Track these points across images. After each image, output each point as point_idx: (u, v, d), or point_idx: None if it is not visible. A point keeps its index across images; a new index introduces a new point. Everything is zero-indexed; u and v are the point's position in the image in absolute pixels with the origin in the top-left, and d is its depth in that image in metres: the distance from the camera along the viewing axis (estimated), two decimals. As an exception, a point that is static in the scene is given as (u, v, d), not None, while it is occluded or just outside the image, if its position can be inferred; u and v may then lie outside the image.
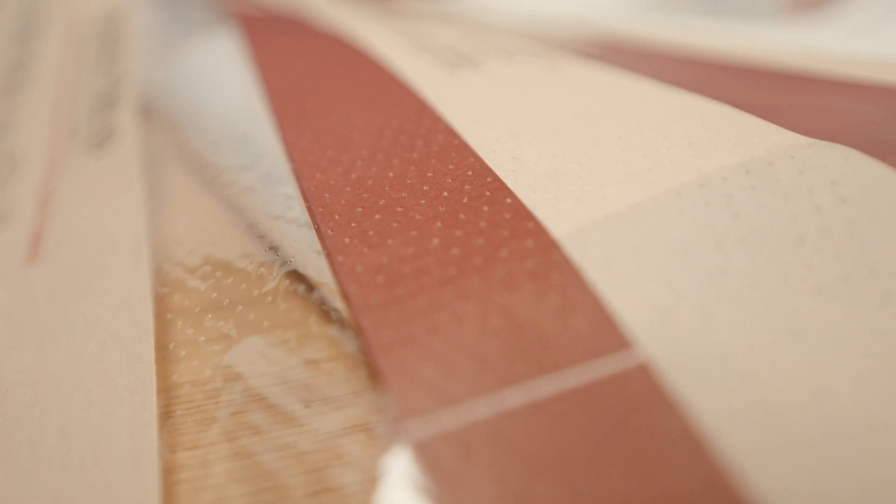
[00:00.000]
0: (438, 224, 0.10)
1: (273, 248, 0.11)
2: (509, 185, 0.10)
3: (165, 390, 0.10)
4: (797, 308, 0.08)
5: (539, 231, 0.09)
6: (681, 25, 0.26)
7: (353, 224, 0.10)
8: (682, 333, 0.08)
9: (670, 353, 0.08)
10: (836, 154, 0.10)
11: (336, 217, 0.10)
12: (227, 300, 0.10)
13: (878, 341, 0.07)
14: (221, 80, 0.17)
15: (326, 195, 0.11)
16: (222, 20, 0.21)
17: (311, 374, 0.09)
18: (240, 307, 0.10)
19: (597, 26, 0.24)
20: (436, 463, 0.07)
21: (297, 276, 0.10)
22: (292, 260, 0.11)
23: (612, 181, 0.10)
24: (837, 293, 0.08)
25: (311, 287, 0.10)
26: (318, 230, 0.10)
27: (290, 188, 0.11)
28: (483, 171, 0.11)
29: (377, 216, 0.10)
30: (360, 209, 0.10)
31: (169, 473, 0.09)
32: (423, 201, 0.10)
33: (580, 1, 0.29)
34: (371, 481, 0.08)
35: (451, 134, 0.12)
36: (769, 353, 0.07)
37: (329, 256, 0.10)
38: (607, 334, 0.08)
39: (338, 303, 0.09)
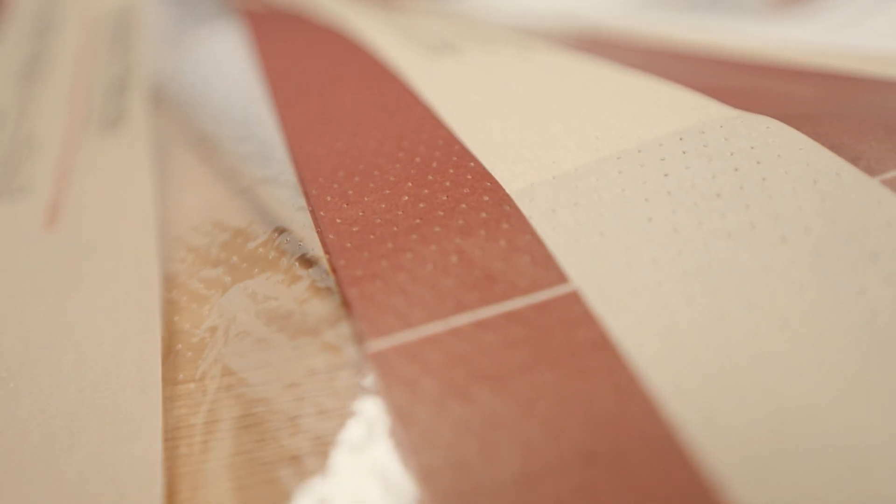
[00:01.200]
0: (409, 184, 0.11)
1: (265, 209, 0.13)
2: (474, 152, 0.12)
3: (168, 330, 0.11)
4: (707, 248, 0.09)
5: (495, 188, 0.11)
6: (668, 21, 0.27)
7: (334, 185, 0.12)
8: (607, 270, 0.09)
9: (596, 286, 0.09)
10: (758, 123, 0.11)
11: (320, 179, 0.12)
12: (223, 253, 0.12)
13: (770, 276, 0.09)
14: (225, 67, 0.19)
15: (313, 161, 0.12)
16: (228, 14, 0.22)
17: (293, 310, 0.10)
18: (234, 258, 0.12)
19: (584, 21, 0.26)
20: (394, 372, 0.08)
21: (284, 231, 0.12)
22: (281, 217, 0.12)
23: (562, 148, 0.11)
24: (743, 237, 0.09)
25: (296, 239, 0.11)
26: (303, 190, 0.12)
27: (282, 157, 0.13)
28: (452, 141, 0.12)
29: (356, 178, 0.12)
30: (341, 173, 0.12)
31: (170, 399, 0.10)
32: (397, 166, 0.12)
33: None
34: (343, 398, 0.09)
35: (426, 111, 0.13)
36: (678, 284, 0.09)
37: (312, 212, 0.11)
38: (545, 270, 0.09)
39: (319, 251, 0.11)
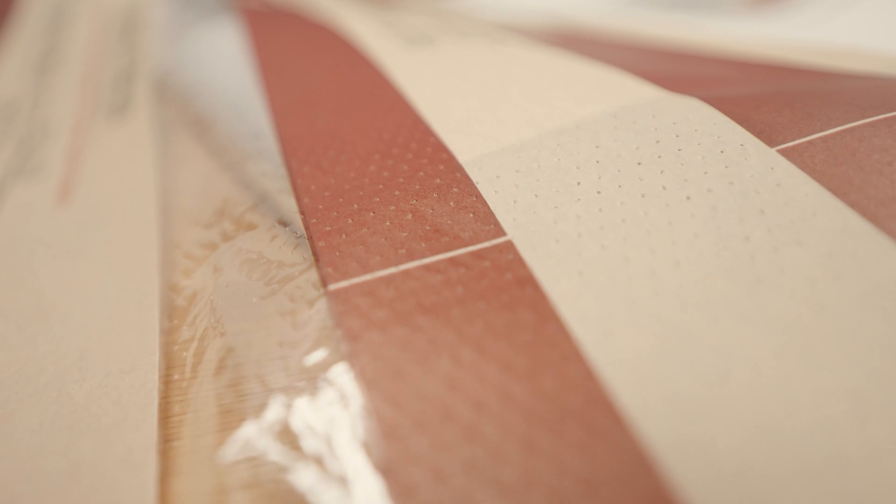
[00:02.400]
0: (376, 156, 0.13)
1: (251, 180, 0.14)
2: (435, 129, 0.14)
3: (165, 284, 0.13)
4: (623, 206, 0.11)
5: (450, 159, 0.13)
6: (643, 18, 0.29)
7: (312, 158, 0.14)
8: (537, 224, 0.11)
9: (525, 237, 0.11)
10: (682, 103, 0.13)
11: (300, 154, 0.14)
12: (215, 219, 0.14)
13: (672, 228, 0.11)
14: (222, 60, 0.20)
15: (295, 139, 0.14)
16: (227, 11, 0.24)
17: (271, 261, 0.12)
18: (224, 222, 0.14)
19: (564, 19, 0.28)
20: (351, 304, 0.10)
21: (267, 198, 0.14)
22: (265, 186, 0.14)
23: (512, 125, 0.13)
24: (654, 197, 0.11)
25: (277, 204, 0.13)
26: (285, 163, 0.13)
27: (268, 135, 0.15)
28: (417, 121, 0.14)
29: (331, 152, 0.14)
30: (319, 148, 0.14)
31: (165, 339, 0.12)
32: (368, 142, 0.14)
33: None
34: (308, 328, 0.11)
35: (398, 95, 0.15)
36: (594, 235, 0.11)
37: (291, 180, 0.13)
38: (485, 224, 0.11)
39: (295, 212, 0.12)
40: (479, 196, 0.12)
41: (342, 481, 0.09)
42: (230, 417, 0.10)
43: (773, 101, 0.13)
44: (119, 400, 0.11)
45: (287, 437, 0.09)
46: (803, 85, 0.14)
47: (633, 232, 0.11)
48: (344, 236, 0.11)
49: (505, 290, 0.10)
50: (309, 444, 0.09)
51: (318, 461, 0.09)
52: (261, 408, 0.10)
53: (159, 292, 0.13)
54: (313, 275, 0.11)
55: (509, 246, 0.11)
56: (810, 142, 0.11)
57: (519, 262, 0.10)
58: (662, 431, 0.08)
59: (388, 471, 0.08)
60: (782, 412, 0.08)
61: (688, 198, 0.11)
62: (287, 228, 0.12)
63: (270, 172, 0.14)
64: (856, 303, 0.09)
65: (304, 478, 0.09)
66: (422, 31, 0.20)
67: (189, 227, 0.14)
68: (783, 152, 0.11)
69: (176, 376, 0.11)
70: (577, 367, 0.09)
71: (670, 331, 0.09)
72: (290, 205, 0.13)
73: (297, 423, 0.09)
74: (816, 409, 0.08)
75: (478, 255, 0.11)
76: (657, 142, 0.12)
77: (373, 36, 0.20)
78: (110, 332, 0.13)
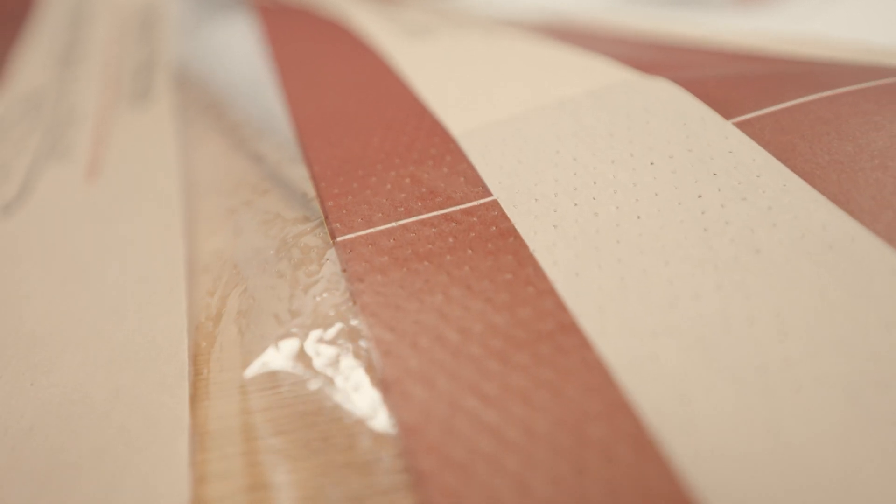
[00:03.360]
0: (379, 131, 0.15)
1: (267, 155, 0.16)
2: (432, 108, 0.15)
3: (190, 244, 0.15)
4: (595, 170, 0.13)
5: (444, 133, 0.14)
6: (637, 15, 0.31)
7: (321, 133, 0.15)
8: (519, 185, 0.13)
9: (509, 197, 0.13)
10: (653, 83, 0.14)
11: (311, 130, 0.15)
12: (233, 189, 0.16)
13: (635, 188, 0.12)
14: (238, 50, 0.22)
15: (307, 119, 0.16)
16: (241, 7, 0.26)
17: (286, 220, 0.14)
18: (242, 192, 0.15)
19: (559, 14, 0.29)
20: (356, 252, 0.12)
21: (282, 168, 0.15)
22: (280, 159, 0.16)
23: (501, 103, 0.15)
24: (622, 162, 0.13)
25: (291, 174, 0.15)
26: (298, 138, 0.15)
27: (282, 117, 0.16)
28: (416, 102, 0.16)
29: (339, 128, 0.15)
30: (328, 125, 0.16)
31: (192, 286, 0.14)
32: (371, 119, 0.15)
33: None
34: (319, 274, 0.13)
35: (399, 81, 0.17)
36: (569, 195, 0.12)
37: (304, 152, 0.15)
38: (474, 186, 0.13)
39: (307, 179, 0.14)
40: (469, 163, 0.13)
41: (348, 394, 0.10)
42: (252, 348, 0.12)
43: (733, 80, 0.15)
44: (154, 340, 0.13)
45: (301, 361, 0.11)
46: (765, 68, 0.16)
47: (601, 192, 0.12)
48: (350, 197, 0.13)
49: (490, 240, 0.12)
50: (321, 366, 0.11)
51: (329, 380, 0.11)
52: (278, 340, 0.12)
53: (184, 251, 0.15)
54: (323, 230, 0.13)
55: (495, 204, 0.13)
56: (761, 115, 0.13)
57: (503, 217, 0.12)
58: (619, 350, 0.10)
59: (385, 383, 0.10)
60: (719, 331, 0.10)
61: (651, 163, 0.13)
62: (299, 192, 0.14)
63: (284, 146, 0.16)
64: (787, 247, 0.11)
65: (317, 394, 0.11)
66: (422, 24, 0.22)
67: (209, 196, 0.16)
68: (738, 124, 0.13)
69: (203, 319, 0.13)
70: (550, 300, 0.11)
71: (628, 271, 0.11)
72: (301, 173, 0.15)
73: (310, 350, 0.11)
74: (748, 328, 0.10)
75: (467, 211, 0.12)
76: (628, 116, 0.14)
77: (377, 29, 0.22)
78: (142, 285, 0.14)
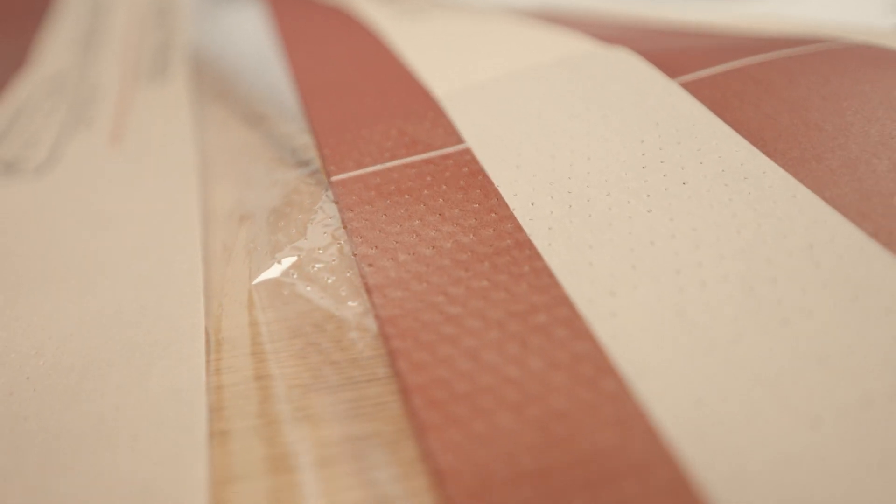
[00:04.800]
0: (371, 94, 0.17)
1: (273, 122, 0.19)
2: (419, 76, 0.18)
3: (205, 199, 0.17)
4: (556, 123, 0.15)
5: (428, 94, 0.17)
6: (630, 3, 0.33)
7: (322, 96, 0.18)
8: (490, 136, 0.15)
9: (480, 145, 0.15)
10: (616, 52, 0.17)
11: (313, 94, 0.18)
12: (242, 151, 0.18)
13: (588, 136, 0.15)
14: (248, 33, 0.25)
15: (310, 89, 0.18)
16: (250, -6, 0.29)
17: (288, 164, 0.16)
18: (250, 154, 0.18)
19: (551, 4, 0.32)
20: (348, 188, 0.14)
21: (289, 131, 0.18)
22: (286, 125, 0.18)
23: (482, 70, 0.17)
24: (580, 116, 0.15)
25: (295, 134, 0.17)
26: (302, 100, 0.18)
27: (287, 88, 0.19)
28: (405, 71, 0.18)
29: (339, 95, 0.18)
30: (327, 90, 0.18)
31: (206, 231, 0.16)
32: (366, 85, 0.18)
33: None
34: (316, 208, 0.15)
35: (391, 53, 0.19)
36: (533, 143, 0.15)
37: (306, 111, 0.17)
38: (451, 137, 0.15)
39: (310, 138, 0.17)
40: (448, 118, 0.16)
41: (339, 297, 0.13)
42: (258, 265, 0.14)
43: (682, 49, 0.17)
44: (173, 269, 0.15)
45: (300, 271, 0.13)
46: (713, 40, 0.18)
47: (559, 140, 0.15)
48: (344, 146, 0.16)
49: (461, 178, 0.14)
50: (317, 276, 0.13)
51: (323, 287, 0.13)
52: (281, 258, 0.14)
53: (199, 200, 0.17)
54: (321, 173, 0.15)
55: (468, 150, 0.15)
56: (702, 76, 0.15)
57: (474, 160, 0.15)
58: (561, 259, 0.12)
59: (368, 288, 0.12)
60: (645, 243, 0.12)
61: (604, 116, 0.15)
62: (301, 147, 0.17)
63: (287, 112, 0.18)
64: (709, 179, 0.13)
65: (312, 299, 0.13)
66: (416, 6, 0.24)
67: (221, 156, 0.19)
68: (682, 84, 0.15)
69: (215, 260, 0.15)
70: (509, 224, 0.13)
71: (575, 200, 0.13)
72: (303, 133, 0.17)
73: (307, 263, 0.13)
74: (669, 241, 0.12)
75: (444, 156, 0.15)
76: (589, 78, 0.16)
77: (374, 11, 0.24)
78: (162, 233, 0.17)
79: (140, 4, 0.33)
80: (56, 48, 0.31)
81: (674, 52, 0.17)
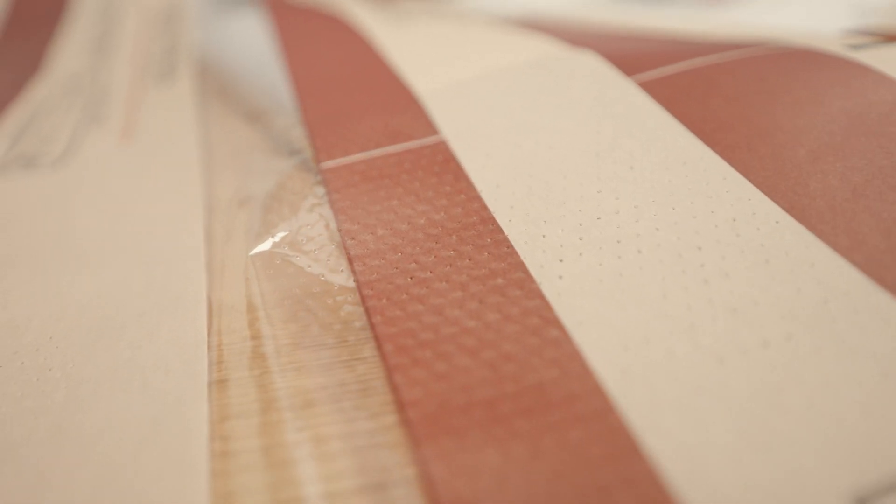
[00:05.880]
0: (360, 91, 0.19)
1: (271, 116, 0.20)
2: (402, 76, 0.20)
3: (208, 195, 0.19)
4: (529, 116, 0.17)
5: (409, 92, 0.19)
6: (616, 10, 0.35)
7: (315, 93, 0.20)
8: (465, 129, 0.17)
9: (456, 137, 0.17)
10: (581, 55, 0.19)
11: (308, 91, 0.20)
12: (242, 145, 0.20)
13: (556, 123, 0.16)
14: (250, 38, 0.27)
15: (305, 83, 0.20)
16: (254, 4, 0.31)
17: (282, 153, 0.18)
18: (250, 145, 0.20)
19: (537, 13, 0.34)
20: (336, 173, 0.16)
21: (280, 117, 0.20)
22: (282, 120, 0.20)
23: (461, 69, 0.19)
24: (547, 111, 0.17)
25: (290, 128, 0.19)
26: (297, 96, 0.20)
27: (284, 85, 0.21)
28: (390, 71, 0.20)
29: (330, 91, 0.20)
30: (321, 88, 0.20)
31: (208, 217, 0.18)
32: (356, 84, 0.20)
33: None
34: (307, 193, 0.17)
35: (378, 55, 0.21)
36: (506, 135, 0.17)
37: (301, 105, 0.19)
38: (428, 129, 0.17)
39: (303, 130, 0.18)
40: (427, 113, 0.18)
41: (325, 267, 0.15)
42: (254, 240, 0.16)
43: (642, 51, 0.19)
44: (176, 250, 0.17)
45: (291, 245, 0.15)
46: (672, 44, 0.20)
47: (525, 132, 0.16)
48: (332, 137, 0.18)
49: (436, 164, 0.16)
50: (306, 248, 0.15)
51: (311, 258, 0.15)
52: (276, 233, 0.16)
53: (202, 189, 0.19)
54: (312, 161, 0.17)
55: (444, 142, 0.17)
56: (656, 75, 0.17)
57: (448, 150, 0.16)
58: (519, 233, 0.14)
59: (350, 258, 0.14)
60: (592, 218, 0.14)
61: (566, 111, 0.17)
62: (294, 135, 0.19)
63: (284, 109, 0.20)
64: (653, 164, 0.15)
65: (301, 268, 0.15)
66: (404, 13, 0.27)
67: (223, 150, 0.20)
68: (639, 83, 0.17)
69: (218, 231, 0.17)
70: (476, 203, 0.15)
71: (535, 183, 0.15)
72: (297, 121, 0.19)
73: (297, 238, 0.15)
74: (613, 216, 0.14)
75: (422, 146, 0.17)
76: (556, 77, 0.18)
77: (366, 16, 0.26)
78: (168, 217, 0.19)
79: (149, 12, 0.35)
80: (70, 53, 0.33)
81: (633, 55, 0.19)
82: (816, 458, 0.09)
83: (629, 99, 0.17)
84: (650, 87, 0.17)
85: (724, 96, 0.16)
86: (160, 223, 0.18)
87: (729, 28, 0.23)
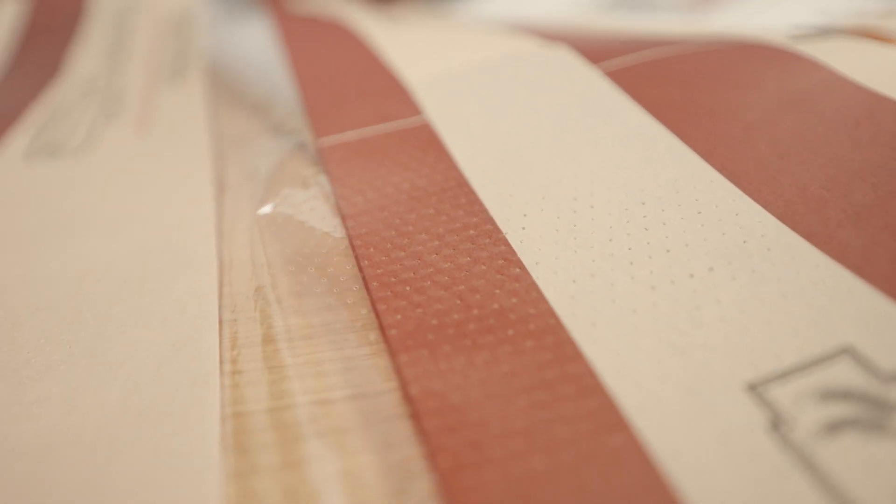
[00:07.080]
0: (356, 81, 0.22)
1: (274, 109, 0.23)
2: (395, 68, 0.22)
3: (217, 175, 0.22)
4: (499, 103, 0.19)
5: (400, 81, 0.21)
6: (588, 15, 0.37)
7: (315, 84, 0.22)
8: (448, 110, 0.19)
9: (438, 119, 0.19)
10: (555, 49, 0.21)
11: (309, 84, 0.22)
12: (249, 135, 0.22)
13: (529, 110, 0.19)
14: (256, 42, 0.29)
15: (307, 78, 0.23)
16: (261, 11, 0.33)
17: (284, 133, 0.21)
18: (255, 133, 0.22)
19: (520, 18, 0.36)
20: (331, 150, 0.19)
21: (283, 104, 0.22)
22: (286, 111, 0.22)
23: (448, 59, 0.22)
24: (524, 99, 0.19)
25: (292, 113, 0.22)
26: (300, 88, 0.22)
27: (288, 84, 0.23)
28: (384, 67, 0.23)
29: (327, 82, 0.22)
30: (321, 80, 0.22)
31: (218, 195, 0.20)
32: (351, 76, 0.22)
33: (549, 6, 0.41)
34: (307, 170, 0.19)
35: (372, 52, 0.24)
36: (486, 118, 0.19)
37: (302, 95, 0.22)
38: (415, 111, 0.20)
39: (303, 117, 0.21)
40: (414, 98, 0.20)
41: (321, 224, 0.17)
42: (258, 204, 0.18)
43: (611, 45, 0.21)
44: (190, 218, 0.20)
45: (292, 208, 0.18)
46: (640, 41, 0.22)
47: (500, 113, 0.19)
48: (328, 119, 0.20)
49: (421, 141, 0.18)
50: (303, 207, 0.17)
51: (309, 217, 0.17)
52: (278, 199, 0.18)
53: (212, 176, 0.22)
54: (311, 140, 0.20)
55: (428, 123, 0.19)
56: (622, 66, 0.20)
57: (431, 129, 0.19)
58: (491, 195, 0.16)
59: (343, 216, 0.17)
60: (555, 184, 0.16)
61: (538, 97, 0.19)
62: (295, 120, 0.21)
63: (286, 102, 0.23)
64: (612, 140, 0.17)
65: (299, 225, 0.17)
66: (401, 18, 0.29)
67: (231, 142, 0.23)
68: (607, 73, 0.20)
69: (226, 203, 0.20)
70: (454, 173, 0.17)
71: (508, 155, 0.17)
72: (298, 110, 0.21)
73: (299, 204, 0.18)
74: (573, 181, 0.16)
75: (408, 125, 0.19)
76: (531, 68, 0.20)
77: (363, 18, 0.29)
78: (181, 199, 0.21)
79: (161, 20, 0.37)
80: (87, 58, 0.36)
81: (600, 48, 0.21)
82: (722, 358, 0.12)
83: (594, 84, 0.19)
84: (613, 75, 0.19)
85: (678, 83, 0.19)
86: (175, 197, 0.21)
87: (696, 27, 0.25)
